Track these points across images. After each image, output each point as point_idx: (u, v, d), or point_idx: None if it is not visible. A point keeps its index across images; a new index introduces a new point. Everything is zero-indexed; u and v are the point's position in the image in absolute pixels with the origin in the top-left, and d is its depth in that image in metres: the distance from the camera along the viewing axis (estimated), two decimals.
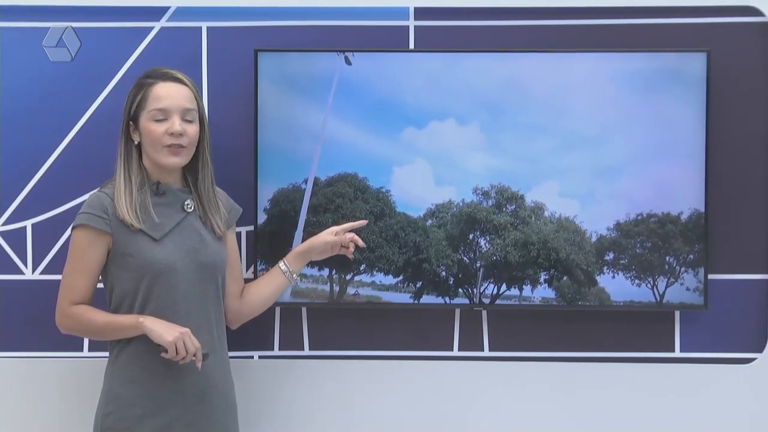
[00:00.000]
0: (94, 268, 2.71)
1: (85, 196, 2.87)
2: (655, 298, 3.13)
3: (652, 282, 3.13)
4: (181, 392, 2.72)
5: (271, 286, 2.96)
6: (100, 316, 2.70)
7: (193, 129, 2.75)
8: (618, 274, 3.14)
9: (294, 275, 2.95)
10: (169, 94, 2.74)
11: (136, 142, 2.76)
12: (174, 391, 2.71)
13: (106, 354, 2.79)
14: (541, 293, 3.14)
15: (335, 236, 2.93)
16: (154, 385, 2.70)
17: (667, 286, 3.13)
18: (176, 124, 2.72)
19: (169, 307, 2.70)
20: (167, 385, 2.70)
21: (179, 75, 2.78)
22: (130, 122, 2.76)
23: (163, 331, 2.64)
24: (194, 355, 2.65)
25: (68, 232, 3.01)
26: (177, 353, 2.63)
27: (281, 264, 2.95)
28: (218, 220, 2.83)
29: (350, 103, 3.12)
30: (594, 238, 3.13)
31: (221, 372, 2.80)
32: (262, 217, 3.14)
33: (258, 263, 3.14)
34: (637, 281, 3.13)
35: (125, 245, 2.70)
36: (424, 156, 3.13)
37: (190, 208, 2.79)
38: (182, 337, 2.63)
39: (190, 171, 2.82)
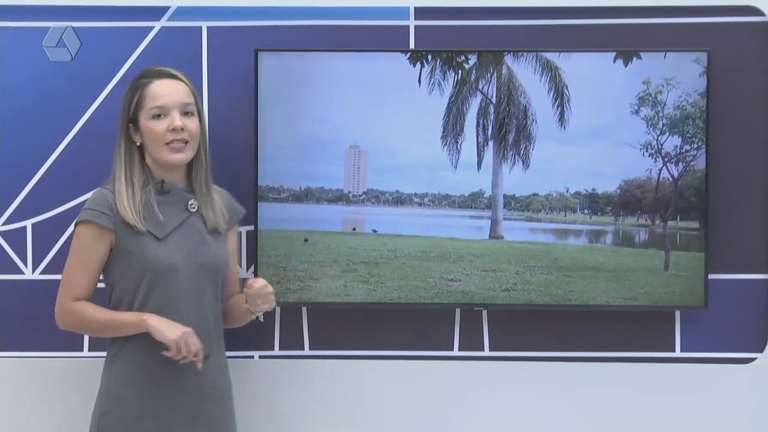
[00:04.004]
0: (95, 264, 2.70)
1: (86, 195, 2.85)
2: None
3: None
4: (179, 393, 2.71)
5: (237, 310, 2.86)
6: (101, 313, 2.69)
7: (193, 123, 2.74)
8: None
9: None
10: (166, 91, 2.73)
11: (137, 144, 2.75)
12: (172, 391, 2.71)
13: (105, 353, 2.78)
14: (541, 293, 3.16)
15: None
16: (152, 386, 2.69)
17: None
18: (176, 119, 2.72)
19: (169, 306, 2.70)
20: (165, 385, 2.70)
21: (174, 71, 2.78)
22: (130, 124, 2.75)
23: (167, 329, 2.64)
24: (195, 356, 2.65)
25: (69, 230, 3.02)
26: (179, 352, 2.63)
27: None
28: (213, 217, 2.80)
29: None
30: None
31: (218, 373, 2.79)
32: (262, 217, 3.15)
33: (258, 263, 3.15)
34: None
35: (129, 243, 2.69)
36: None
37: (194, 208, 2.78)
38: (185, 336, 2.63)
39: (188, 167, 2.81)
